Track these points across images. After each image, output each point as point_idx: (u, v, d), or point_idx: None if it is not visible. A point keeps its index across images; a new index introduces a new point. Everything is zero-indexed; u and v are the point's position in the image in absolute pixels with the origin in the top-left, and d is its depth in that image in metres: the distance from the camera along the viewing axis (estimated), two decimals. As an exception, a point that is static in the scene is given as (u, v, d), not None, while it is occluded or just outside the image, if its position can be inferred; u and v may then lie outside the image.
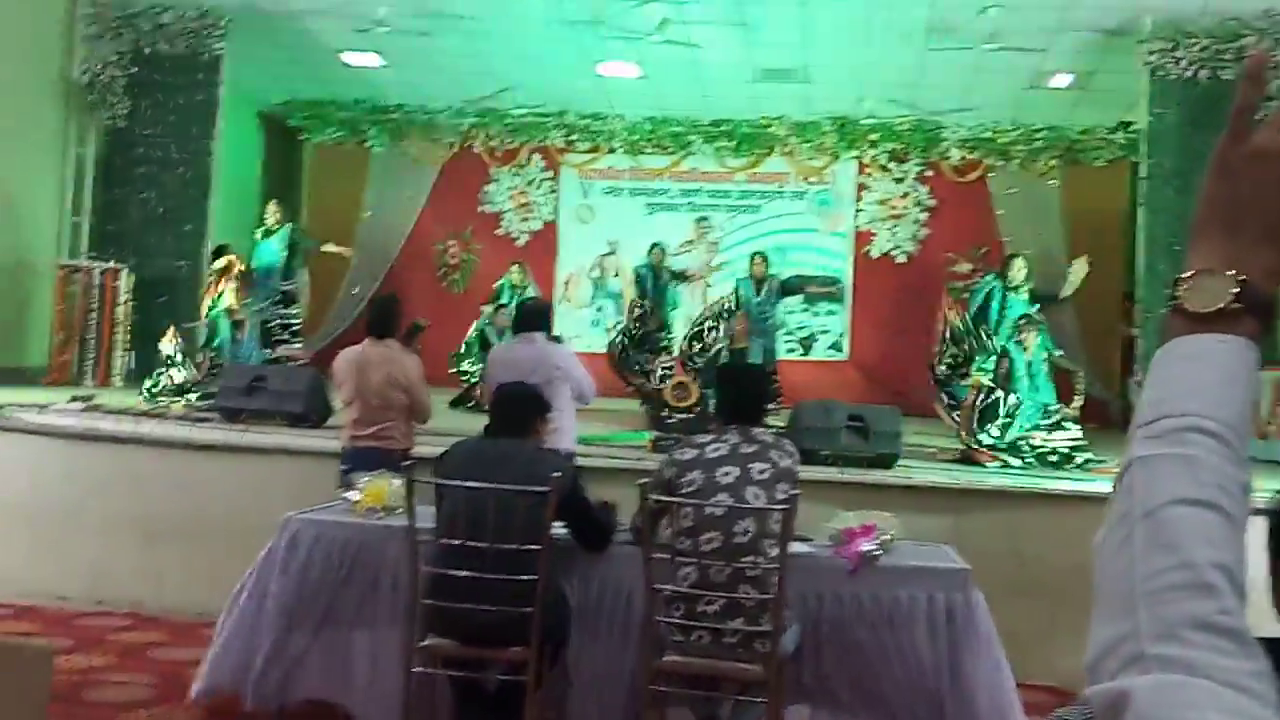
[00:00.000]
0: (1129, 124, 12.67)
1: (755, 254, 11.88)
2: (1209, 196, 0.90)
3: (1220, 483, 0.80)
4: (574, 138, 14.46)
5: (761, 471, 4.10)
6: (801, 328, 14.29)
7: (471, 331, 11.25)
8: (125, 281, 11.08)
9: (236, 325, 9.76)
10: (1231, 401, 0.83)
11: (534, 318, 6.17)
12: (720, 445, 4.18)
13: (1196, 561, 0.76)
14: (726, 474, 4.09)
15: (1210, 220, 0.89)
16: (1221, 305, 0.86)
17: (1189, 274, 0.88)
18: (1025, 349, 8.25)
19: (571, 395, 5.87)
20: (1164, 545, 0.77)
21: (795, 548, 4.16)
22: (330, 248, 11.78)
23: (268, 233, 11.25)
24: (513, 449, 4.29)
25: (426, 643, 4.17)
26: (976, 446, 7.87)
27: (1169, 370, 0.86)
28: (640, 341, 10.29)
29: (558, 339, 6.60)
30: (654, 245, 12.25)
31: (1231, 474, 0.80)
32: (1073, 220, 13.48)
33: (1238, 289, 0.85)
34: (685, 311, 13.48)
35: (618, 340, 10.34)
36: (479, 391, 9.37)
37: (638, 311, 10.49)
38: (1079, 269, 9.52)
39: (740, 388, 4.55)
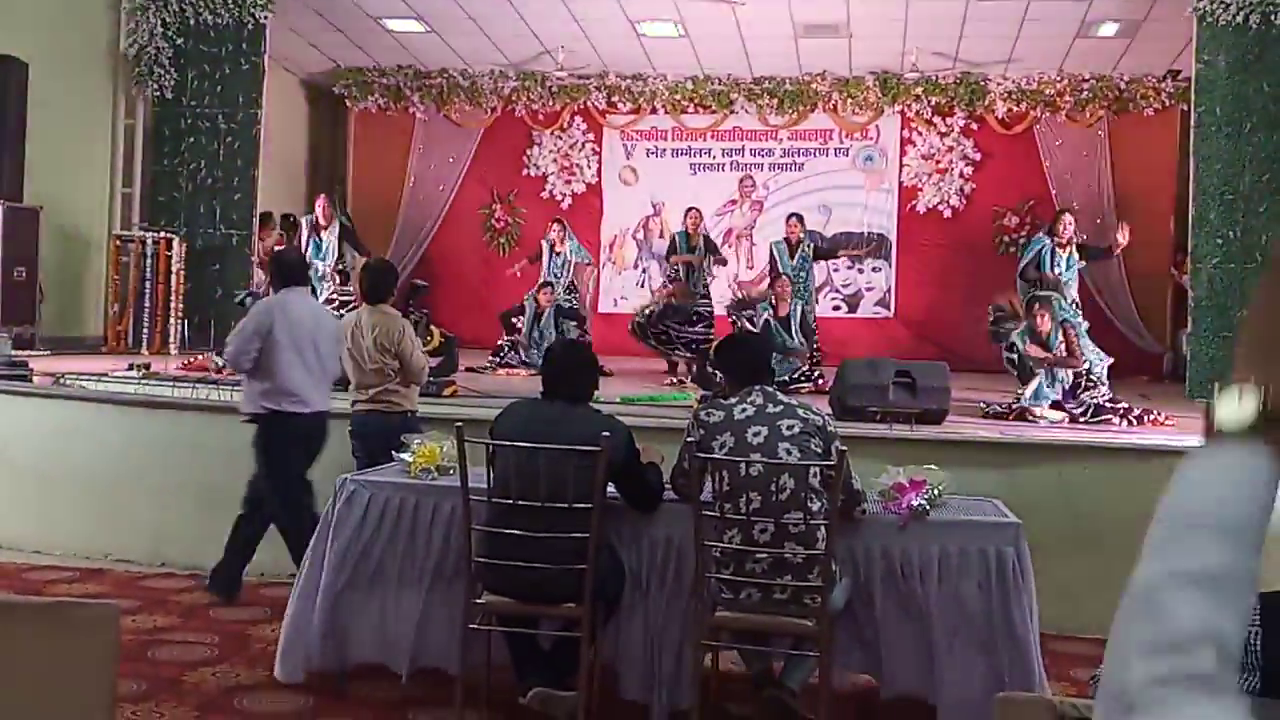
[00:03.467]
0: (1177, 72, 12.47)
1: (790, 215, 11.59)
2: (1260, 306, 0.98)
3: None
4: (615, 99, 14.42)
5: (790, 427, 4.12)
6: (847, 285, 14.22)
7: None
8: (177, 250, 11.23)
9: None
10: (1238, 502, 0.91)
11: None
12: (747, 406, 4.20)
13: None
14: (757, 434, 4.11)
15: (1253, 335, 0.98)
16: (1250, 421, 0.93)
17: (1223, 385, 0.95)
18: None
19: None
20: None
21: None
22: None
23: (316, 227, 11.18)
24: (566, 412, 4.33)
25: (482, 600, 4.25)
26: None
27: (1190, 475, 0.94)
28: (664, 314, 10.49)
29: None
30: (689, 209, 11.59)
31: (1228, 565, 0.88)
32: (1122, 170, 13.31)
33: (1264, 406, 0.93)
34: (729, 270, 13.47)
35: (640, 319, 10.68)
36: None
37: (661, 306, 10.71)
38: (1125, 236, 9.26)
39: (746, 350, 4.65)
